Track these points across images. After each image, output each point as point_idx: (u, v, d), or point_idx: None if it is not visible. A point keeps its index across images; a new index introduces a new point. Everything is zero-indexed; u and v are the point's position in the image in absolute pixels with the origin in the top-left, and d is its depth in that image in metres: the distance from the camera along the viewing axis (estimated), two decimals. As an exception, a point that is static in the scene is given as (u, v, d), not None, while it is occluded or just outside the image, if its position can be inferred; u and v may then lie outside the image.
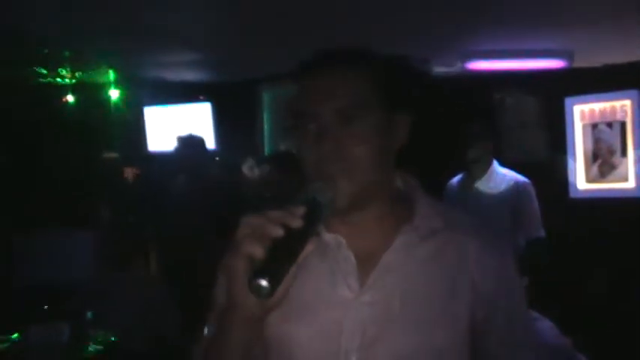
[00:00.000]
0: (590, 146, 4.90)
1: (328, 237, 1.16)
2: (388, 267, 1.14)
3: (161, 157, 5.31)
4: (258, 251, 0.93)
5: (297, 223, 0.95)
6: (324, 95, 1.11)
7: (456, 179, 3.96)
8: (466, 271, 1.15)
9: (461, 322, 1.13)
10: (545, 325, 2.59)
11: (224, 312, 1.04)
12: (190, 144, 4.34)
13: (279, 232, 0.94)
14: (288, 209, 0.98)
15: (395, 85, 1.18)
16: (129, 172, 5.64)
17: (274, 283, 0.89)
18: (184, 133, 4.47)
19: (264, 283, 0.88)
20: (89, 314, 3.36)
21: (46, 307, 3.50)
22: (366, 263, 1.15)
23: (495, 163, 3.78)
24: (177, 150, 4.32)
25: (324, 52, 1.17)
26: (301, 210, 0.98)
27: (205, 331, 1.20)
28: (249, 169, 4.56)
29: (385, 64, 1.18)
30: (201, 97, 5.56)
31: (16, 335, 3.26)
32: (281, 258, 0.93)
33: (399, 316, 1.11)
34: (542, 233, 3.67)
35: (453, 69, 4.75)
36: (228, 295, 1.00)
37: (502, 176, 3.75)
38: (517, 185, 3.70)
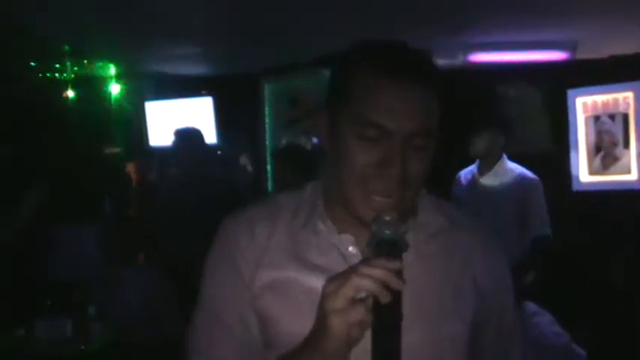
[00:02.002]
0: (592, 138, 4.87)
1: (336, 238, 1.14)
2: None
3: (161, 152, 5.31)
4: (368, 318, 0.93)
5: (399, 285, 0.94)
6: (405, 116, 1.04)
7: (465, 171, 3.95)
8: (470, 272, 1.16)
9: (465, 321, 1.14)
10: (546, 320, 2.59)
11: (299, 351, 1.03)
12: (187, 137, 4.31)
13: (388, 298, 0.92)
14: (383, 263, 0.95)
15: (447, 98, 1.12)
16: (131, 167, 5.64)
17: None
18: (182, 126, 4.45)
19: None
20: (91, 309, 3.36)
21: (49, 301, 3.51)
22: None
23: (505, 157, 3.76)
24: (174, 143, 4.30)
25: (400, 55, 1.09)
26: (397, 264, 0.95)
27: (193, 318, 1.21)
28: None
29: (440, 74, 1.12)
30: (202, 92, 5.54)
31: (21, 330, 3.27)
32: (391, 328, 0.93)
33: (410, 314, 1.07)
34: (548, 231, 3.64)
35: (456, 61, 4.74)
36: (317, 346, 0.99)
37: (510, 170, 3.73)
38: (524, 181, 3.67)
